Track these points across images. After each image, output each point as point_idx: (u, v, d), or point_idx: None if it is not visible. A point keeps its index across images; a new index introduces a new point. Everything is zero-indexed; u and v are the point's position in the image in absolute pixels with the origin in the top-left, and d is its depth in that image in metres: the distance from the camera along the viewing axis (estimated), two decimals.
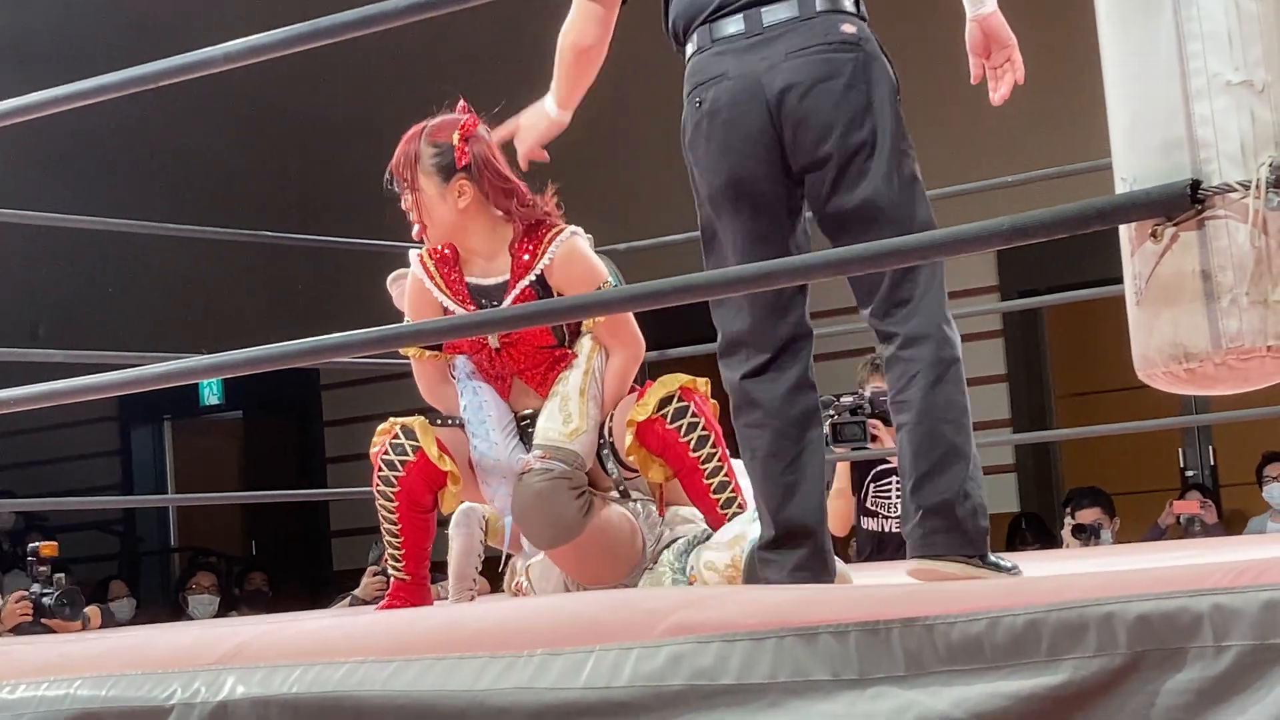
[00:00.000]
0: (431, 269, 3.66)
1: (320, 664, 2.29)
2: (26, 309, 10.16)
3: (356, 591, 5.63)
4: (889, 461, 5.17)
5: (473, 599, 3.90)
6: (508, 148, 3.52)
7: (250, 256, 9.13)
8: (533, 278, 3.60)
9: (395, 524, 3.63)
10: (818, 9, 2.90)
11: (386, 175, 3.64)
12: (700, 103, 2.95)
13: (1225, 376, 2.01)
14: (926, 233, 2.75)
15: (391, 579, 3.73)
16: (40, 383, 2.96)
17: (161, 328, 9.90)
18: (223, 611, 8.16)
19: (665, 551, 3.58)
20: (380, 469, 3.61)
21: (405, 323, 3.69)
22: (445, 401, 3.75)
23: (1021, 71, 2.94)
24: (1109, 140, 2.08)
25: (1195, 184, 1.95)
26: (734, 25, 2.93)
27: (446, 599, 3.94)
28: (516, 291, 3.60)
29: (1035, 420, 8.52)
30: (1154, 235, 1.99)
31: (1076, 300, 6.40)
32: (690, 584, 3.46)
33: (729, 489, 3.53)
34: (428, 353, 3.74)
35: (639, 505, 3.66)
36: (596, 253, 3.74)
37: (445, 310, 3.63)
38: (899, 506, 4.85)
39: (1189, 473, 8.47)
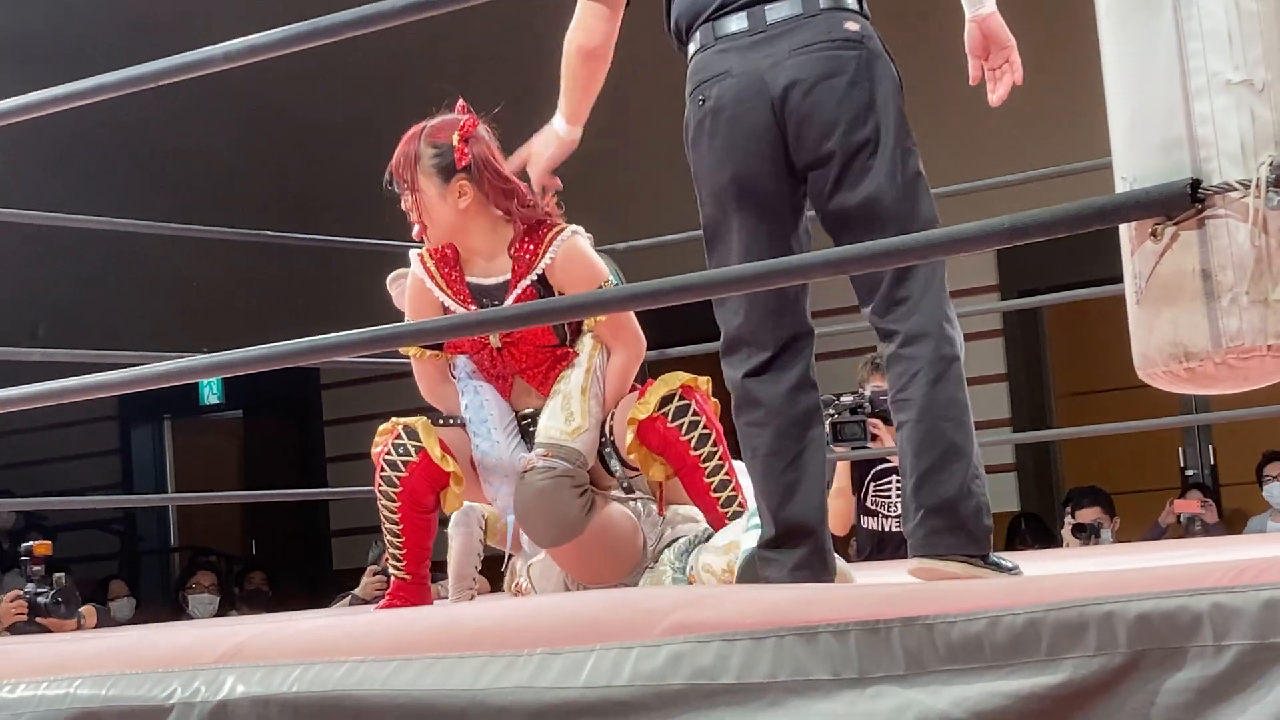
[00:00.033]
0: (432, 268, 3.66)
1: (320, 663, 2.29)
2: (26, 308, 10.16)
3: (356, 591, 5.63)
4: (889, 461, 5.17)
5: (472, 598, 3.90)
6: (511, 152, 3.52)
7: (250, 256, 9.12)
8: (534, 277, 3.60)
9: (397, 524, 3.63)
10: (821, 6, 2.91)
11: (386, 176, 3.64)
12: (703, 101, 2.95)
13: (1225, 376, 2.01)
14: (925, 232, 2.75)
15: (392, 578, 3.74)
16: (40, 382, 2.96)
17: (161, 327, 9.90)
18: (223, 611, 8.17)
19: (666, 551, 3.58)
20: (383, 469, 3.60)
21: (405, 322, 3.69)
22: (445, 401, 3.75)
23: (1020, 73, 2.93)
24: (1109, 140, 2.08)
25: (1195, 183, 1.95)
26: (737, 23, 2.93)
27: (446, 598, 3.94)
28: (518, 291, 3.60)
29: (1035, 419, 8.52)
30: (1154, 234, 1.99)
31: (1076, 299, 6.40)
32: (690, 584, 3.46)
33: (729, 488, 3.53)
34: (428, 352, 3.74)
35: (639, 504, 3.66)
36: (597, 252, 3.74)
37: (446, 310, 3.63)
38: (899, 506, 4.86)
39: (1189, 472, 8.47)
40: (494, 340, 3.62)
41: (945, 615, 1.89)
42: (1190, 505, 7.02)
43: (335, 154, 9.04)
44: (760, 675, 1.98)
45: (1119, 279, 2.09)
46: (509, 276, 3.62)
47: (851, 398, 5.19)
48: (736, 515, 3.49)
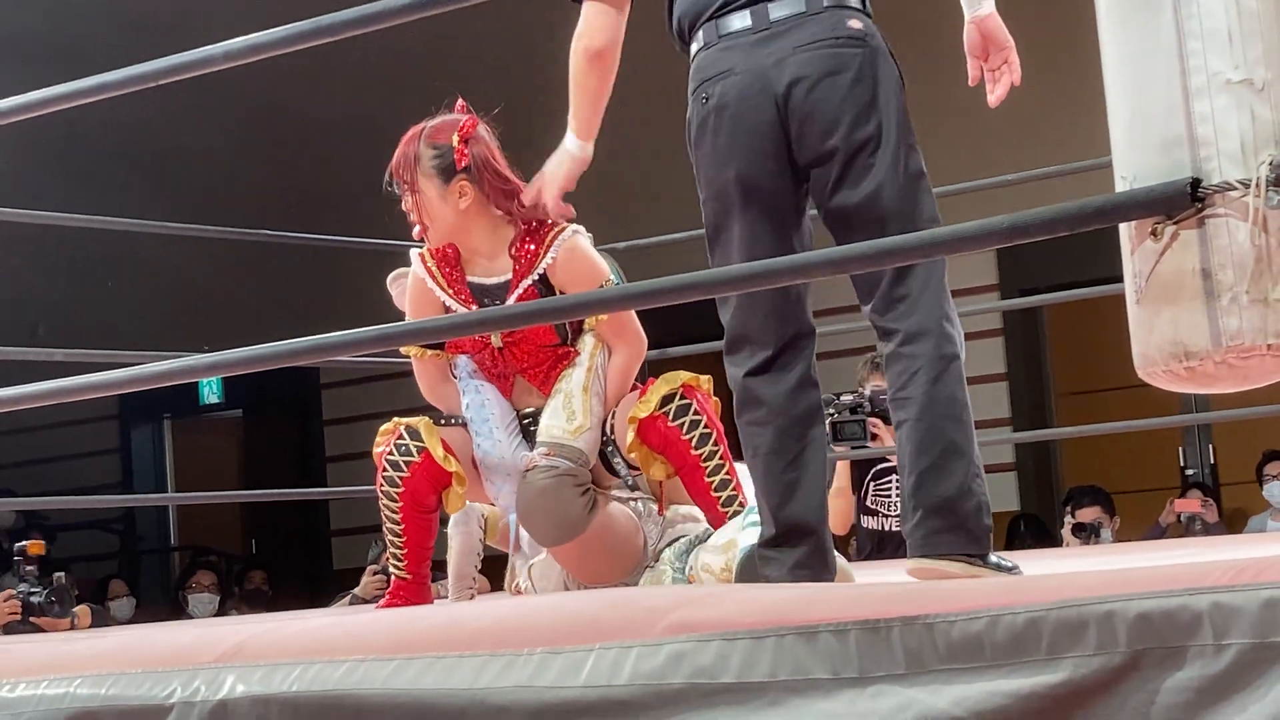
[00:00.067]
0: (433, 268, 3.66)
1: (320, 662, 2.29)
2: (26, 308, 10.16)
3: (356, 590, 5.63)
4: (889, 460, 5.17)
5: (472, 597, 3.90)
6: (511, 152, 3.51)
7: (250, 255, 9.13)
8: (535, 277, 3.60)
9: (398, 524, 3.63)
10: (824, 4, 2.91)
11: (386, 177, 3.64)
12: (707, 98, 2.95)
13: (1225, 375, 2.01)
14: (926, 231, 2.75)
15: (392, 578, 3.74)
16: (40, 381, 2.96)
17: (161, 326, 9.90)
18: (223, 610, 8.17)
19: (666, 550, 3.58)
20: (385, 469, 3.60)
21: (406, 321, 3.69)
22: (446, 401, 3.75)
23: (1019, 73, 2.94)
24: (1109, 139, 2.08)
25: (1195, 182, 1.95)
26: (741, 20, 2.93)
27: (446, 597, 3.94)
28: (519, 290, 3.60)
29: (1035, 419, 8.53)
30: (1154, 233, 1.99)
31: (1076, 299, 6.40)
32: (690, 583, 3.46)
33: (730, 487, 3.53)
34: (429, 352, 3.74)
35: (640, 504, 3.66)
36: (598, 251, 3.74)
37: (447, 309, 3.63)
38: (899, 505, 4.86)
39: (1189, 471, 8.47)
40: (495, 340, 3.62)
41: (945, 614, 1.89)
42: (1191, 505, 7.02)
43: (336, 153, 9.04)
44: (760, 674, 1.98)
45: (1119, 278, 2.09)
46: (510, 276, 3.62)
47: (851, 397, 5.19)
48: (737, 515, 3.49)
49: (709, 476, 3.53)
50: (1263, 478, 7.14)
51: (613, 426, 3.60)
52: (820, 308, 3.09)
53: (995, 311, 8.24)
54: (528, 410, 3.67)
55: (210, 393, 11.38)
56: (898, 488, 4.31)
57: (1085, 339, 8.13)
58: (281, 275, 9.87)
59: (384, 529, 3.67)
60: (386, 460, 3.60)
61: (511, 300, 3.59)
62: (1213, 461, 8.54)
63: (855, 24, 2.92)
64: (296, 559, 10.80)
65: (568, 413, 3.55)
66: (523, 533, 3.73)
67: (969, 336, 2.98)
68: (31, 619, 4.76)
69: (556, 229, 3.61)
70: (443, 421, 3.69)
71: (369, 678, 2.24)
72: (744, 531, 3.30)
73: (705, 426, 3.53)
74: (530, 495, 3.51)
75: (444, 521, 3.79)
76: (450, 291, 3.64)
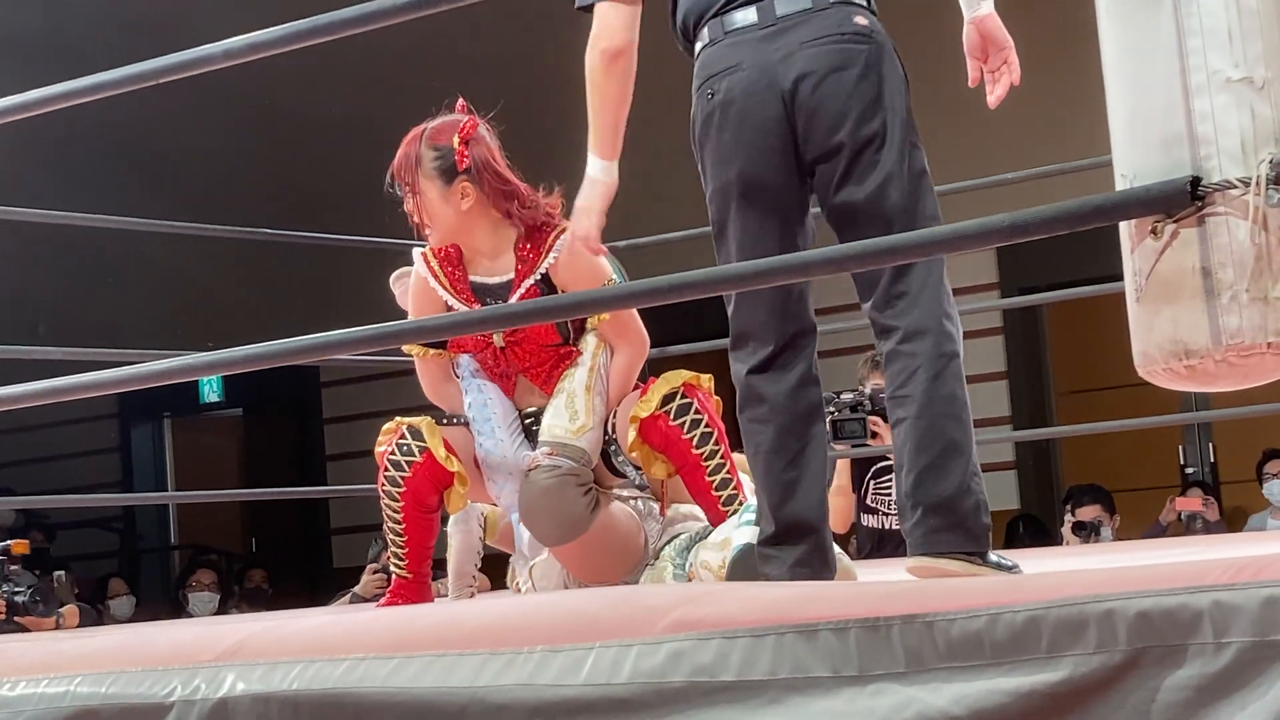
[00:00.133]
0: (435, 267, 3.66)
1: (320, 661, 2.29)
2: (26, 307, 10.16)
3: (356, 589, 5.63)
4: (889, 458, 5.17)
5: (473, 596, 3.90)
6: (511, 152, 3.50)
7: (250, 254, 9.12)
8: (538, 276, 3.60)
9: (400, 523, 3.63)
10: (830, 0, 2.91)
11: (388, 178, 3.65)
12: (712, 94, 2.94)
13: (1225, 373, 2.01)
14: (926, 230, 2.75)
15: (392, 576, 3.74)
16: (40, 380, 2.96)
17: (161, 325, 9.90)
18: (223, 609, 8.17)
19: (667, 547, 3.59)
20: (386, 468, 3.61)
21: (407, 319, 3.69)
22: (448, 400, 3.76)
23: (1018, 73, 2.94)
24: (1109, 137, 2.08)
25: (1195, 181, 1.95)
26: (746, 16, 2.93)
27: (446, 596, 3.94)
28: (521, 290, 3.60)
29: (1035, 417, 8.53)
30: (1154, 232, 1.99)
31: (1077, 297, 6.40)
32: (690, 581, 3.46)
33: (730, 486, 3.53)
34: (431, 351, 3.74)
35: (640, 502, 3.66)
36: None
37: (449, 308, 3.63)
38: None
39: (1189, 470, 8.47)
40: (497, 339, 3.62)
41: (945, 613, 1.89)
42: (1192, 503, 7.02)
43: (336, 152, 9.04)
44: (760, 673, 1.98)
45: (1119, 277, 2.09)
46: (512, 276, 3.62)
47: (852, 395, 5.18)
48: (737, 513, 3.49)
49: (710, 475, 3.53)
50: (1263, 476, 7.14)
51: (614, 426, 3.60)
52: (820, 306, 3.09)
53: (995, 310, 8.24)
54: (530, 410, 3.67)
55: (210, 391, 11.38)
56: None
57: (1085, 337, 8.13)
58: (281, 275, 9.86)
59: (385, 528, 3.67)
60: (388, 459, 3.60)
61: (513, 300, 3.59)
62: (1213, 460, 8.54)
63: (861, 20, 2.92)
64: (296, 557, 10.80)
65: (570, 412, 3.56)
66: (523, 533, 3.73)
67: (968, 335, 2.98)
68: (16, 618, 4.74)
69: (559, 229, 3.61)
70: (445, 421, 3.69)
71: (369, 676, 2.24)
72: (738, 530, 3.30)
73: (706, 426, 3.53)
74: (533, 495, 3.51)
75: (444, 520, 3.79)
76: (452, 291, 3.64)
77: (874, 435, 5.14)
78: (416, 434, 3.59)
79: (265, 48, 2.80)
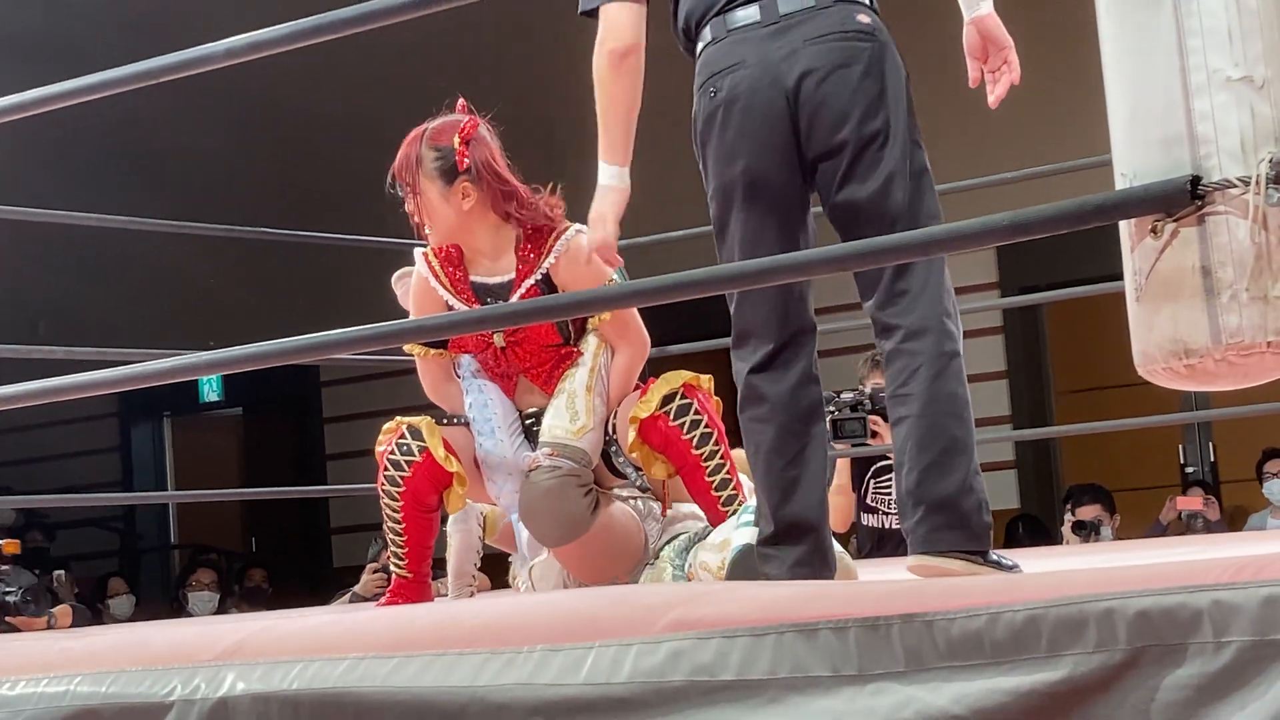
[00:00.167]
0: (436, 267, 3.66)
1: (320, 660, 2.29)
2: (26, 307, 10.16)
3: (356, 588, 5.63)
4: (889, 458, 5.17)
5: (472, 595, 3.90)
6: (511, 152, 3.49)
7: (251, 254, 9.13)
8: (538, 276, 3.60)
9: (399, 523, 3.63)
10: None
11: (389, 179, 3.65)
12: (715, 92, 2.94)
13: (1225, 372, 2.00)
14: (926, 229, 2.75)
15: (393, 576, 3.74)
16: (40, 379, 2.96)
17: (162, 325, 9.91)
18: (222, 608, 8.16)
19: (666, 548, 3.59)
20: (386, 468, 3.61)
21: (407, 319, 3.69)
22: (449, 400, 3.76)
23: (1018, 73, 2.94)
24: (1109, 136, 2.08)
25: (1195, 180, 1.95)
26: (749, 14, 2.93)
27: (446, 595, 3.94)
28: (522, 290, 3.60)
29: (1035, 417, 8.53)
30: (1154, 231, 1.99)
31: (1077, 296, 6.40)
32: (689, 581, 3.46)
33: (730, 486, 3.54)
34: (432, 351, 3.74)
35: (640, 503, 3.66)
36: None
37: (450, 308, 3.63)
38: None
39: (1189, 469, 8.48)
40: (498, 339, 3.62)
41: (945, 612, 1.89)
42: (1193, 503, 7.02)
43: (337, 152, 9.04)
44: (760, 672, 1.98)
45: (1119, 276, 2.09)
46: (513, 276, 3.62)
47: (852, 394, 5.19)
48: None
49: (709, 476, 3.53)
50: (1263, 475, 7.15)
51: (614, 426, 3.60)
52: (820, 305, 3.09)
53: (995, 309, 8.24)
54: (530, 410, 3.67)
55: (210, 391, 11.38)
56: None
57: (1085, 337, 8.14)
58: (281, 275, 9.87)
59: (385, 527, 3.67)
60: (388, 459, 3.60)
61: (514, 299, 3.59)
62: (1213, 459, 8.55)
63: (864, 19, 2.92)
64: (296, 557, 10.80)
65: (570, 413, 3.56)
66: (523, 533, 3.73)
67: (969, 334, 2.98)
68: (6, 618, 4.73)
69: (560, 228, 3.61)
70: (445, 421, 3.69)
71: (369, 675, 2.24)
72: (737, 530, 3.30)
73: (706, 426, 3.53)
74: (534, 495, 3.51)
75: (444, 520, 3.79)
76: (453, 291, 3.64)
77: (874, 434, 5.14)
78: (416, 434, 3.59)
79: (266, 47, 2.80)
